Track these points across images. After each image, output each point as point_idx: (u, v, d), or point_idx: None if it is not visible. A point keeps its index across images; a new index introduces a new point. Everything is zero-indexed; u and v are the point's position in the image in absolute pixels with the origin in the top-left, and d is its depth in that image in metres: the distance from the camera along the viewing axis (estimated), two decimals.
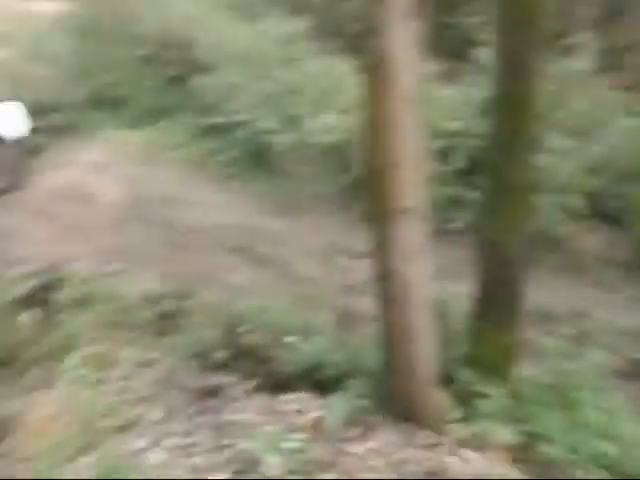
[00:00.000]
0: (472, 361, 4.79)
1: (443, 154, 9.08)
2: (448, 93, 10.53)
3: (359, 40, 3.78)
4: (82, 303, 7.05)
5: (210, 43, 12.65)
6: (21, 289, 7.08)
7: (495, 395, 4.58)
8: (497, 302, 4.73)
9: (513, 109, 4.64)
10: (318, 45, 14.16)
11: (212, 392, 6.14)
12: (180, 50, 12.30)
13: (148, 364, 6.47)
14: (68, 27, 12.92)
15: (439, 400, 4.51)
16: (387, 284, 4.12)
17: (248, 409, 5.63)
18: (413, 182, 3.82)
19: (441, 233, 8.56)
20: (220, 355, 6.40)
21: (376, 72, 3.64)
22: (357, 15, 12.13)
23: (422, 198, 3.92)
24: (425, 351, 4.31)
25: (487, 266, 4.72)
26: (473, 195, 9.01)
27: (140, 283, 7.57)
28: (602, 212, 9.01)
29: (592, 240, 8.71)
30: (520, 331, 4.89)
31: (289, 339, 6.58)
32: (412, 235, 3.94)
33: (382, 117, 3.69)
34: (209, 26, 13.44)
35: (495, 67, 4.84)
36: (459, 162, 9.30)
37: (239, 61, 12.25)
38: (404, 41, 3.53)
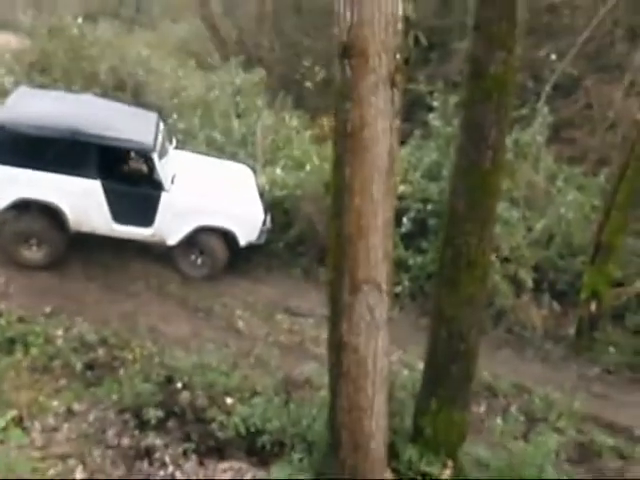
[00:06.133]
0: (419, 437, 4.68)
1: None
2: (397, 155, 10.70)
3: (334, 105, 3.71)
4: (11, 344, 6.71)
5: (163, 88, 12.55)
6: None
7: (440, 476, 4.47)
8: (449, 377, 4.66)
9: (473, 181, 4.68)
10: (270, 98, 14.31)
11: (142, 454, 5.84)
12: (133, 93, 12.15)
13: (76, 416, 6.15)
14: (18, 61, 12.63)
15: (387, 477, 4.36)
16: (341, 356, 4.00)
17: (178, 477, 5.38)
18: (378, 253, 3.76)
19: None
20: (153, 413, 6.09)
21: (348, 139, 3.60)
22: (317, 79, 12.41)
23: (385, 270, 3.85)
24: (377, 427, 4.17)
25: (441, 339, 4.67)
26: (418, 259, 9.13)
27: (74, 327, 7.23)
28: (548, 285, 9.14)
29: (538, 313, 8.79)
30: (470, 409, 4.83)
31: (228, 400, 6.35)
32: (372, 307, 3.85)
33: (351, 184, 3.63)
34: (163, 71, 13.37)
35: (458, 139, 4.90)
36: (406, 225, 9.36)
37: (191, 108, 12.18)
38: (379, 110, 3.51)
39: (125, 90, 12.14)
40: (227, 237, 8.90)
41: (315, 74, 13.42)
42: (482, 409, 6.84)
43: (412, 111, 14.24)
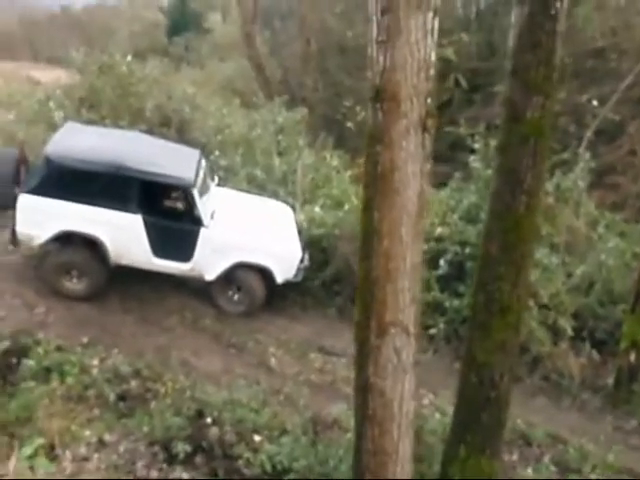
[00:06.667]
0: None
1: (428, 259, 9.08)
2: (437, 197, 10.67)
3: (364, 148, 3.75)
4: (47, 373, 6.78)
5: (207, 126, 12.85)
6: None
7: None
8: (479, 424, 4.55)
9: (507, 225, 4.64)
10: (311, 137, 14.50)
11: None
12: (177, 129, 12.48)
13: (107, 446, 6.19)
14: (69, 96, 13.12)
15: None
16: (368, 398, 3.96)
17: None
18: (406, 296, 3.74)
19: (421, 339, 8.50)
20: (182, 447, 6.10)
21: (378, 182, 3.62)
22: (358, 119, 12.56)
23: (413, 313, 3.83)
24: (402, 471, 4.10)
25: (471, 385, 4.58)
26: (454, 302, 9.03)
27: (109, 358, 7.32)
28: (588, 333, 8.89)
29: (576, 362, 8.54)
30: (500, 457, 4.70)
31: (256, 437, 6.33)
32: (399, 350, 3.82)
33: (380, 227, 3.64)
34: (208, 109, 13.72)
35: (493, 182, 4.88)
36: (443, 268, 9.29)
37: (234, 146, 12.42)
38: (410, 154, 3.53)
39: (170, 127, 12.46)
40: (265, 274, 8.95)
41: (356, 114, 13.58)
42: (514, 457, 6.66)
43: (453, 153, 14.29)
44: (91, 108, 12.43)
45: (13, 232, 8.53)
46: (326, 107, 18.96)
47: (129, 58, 13.45)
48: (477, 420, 4.55)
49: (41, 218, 8.31)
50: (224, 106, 14.85)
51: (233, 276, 8.89)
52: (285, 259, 9.01)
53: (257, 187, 11.18)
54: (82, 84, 13.47)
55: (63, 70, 19.47)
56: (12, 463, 5.24)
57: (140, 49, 31.24)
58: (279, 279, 8.97)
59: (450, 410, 5.13)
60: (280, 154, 12.75)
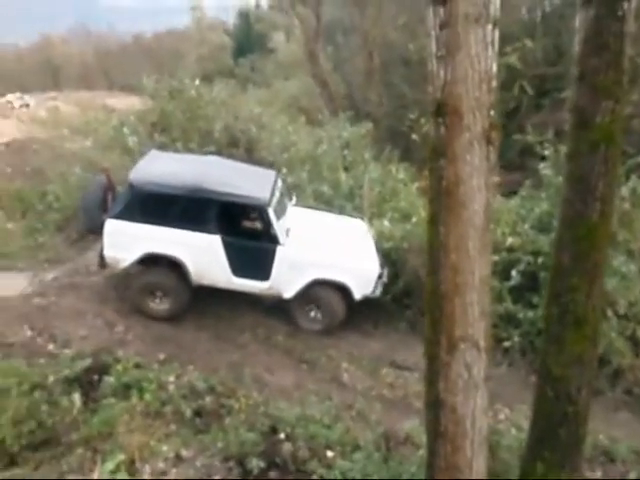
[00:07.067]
0: None
1: (500, 270, 8.91)
2: (507, 206, 10.47)
3: (427, 162, 3.74)
4: (126, 389, 6.97)
5: (274, 144, 13.08)
6: (70, 369, 7.05)
7: None
8: (556, 440, 4.41)
9: (579, 233, 4.51)
10: (377, 151, 14.51)
11: None
12: (245, 149, 12.75)
13: (184, 461, 6.33)
14: (141, 121, 13.65)
15: None
16: (439, 415, 3.91)
17: None
18: (475, 310, 3.69)
19: (495, 352, 8.32)
20: (256, 463, 6.16)
21: (443, 196, 3.60)
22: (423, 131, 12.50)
23: (483, 327, 3.77)
24: None
25: (547, 399, 4.45)
26: (529, 314, 8.80)
27: (185, 375, 7.48)
28: None
29: None
30: (581, 474, 4.54)
31: (328, 453, 6.33)
32: (469, 366, 3.76)
33: (446, 241, 3.62)
34: (274, 128, 13.96)
35: (563, 190, 4.75)
36: (515, 279, 9.08)
37: (300, 163, 12.58)
38: (474, 167, 3.50)
39: (238, 147, 12.75)
40: (343, 291, 8.97)
41: (421, 126, 13.52)
42: (598, 474, 6.41)
43: (523, 160, 13.98)
44: (163, 132, 12.89)
45: (101, 256, 8.90)
46: (391, 120, 18.94)
47: (197, 82, 13.88)
48: (554, 436, 4.41)
49: (126, 242, 8.66)
50: (290, 124, 15.10)
51: (312, 294, 8.95)
52: (362, 275, 9.03)
53: (324, 203, 11.27)
54: (154, 109, 14.01)
55: (136, 97, 20.27)
56: (95, 477, 5.46)
57: (207, 72, 32.19)
58: (357, 295, 9.00)
59: (526, 425, 5.00)
60: (346, 169, 12.84)
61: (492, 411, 7.03)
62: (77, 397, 6.75)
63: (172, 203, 8.55)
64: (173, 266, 8.76)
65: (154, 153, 9.92)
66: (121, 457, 5.67)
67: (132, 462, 6.09)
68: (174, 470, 6.20)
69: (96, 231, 8.94)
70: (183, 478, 6.10)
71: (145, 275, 8.89)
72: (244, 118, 13.61)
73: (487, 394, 3.94)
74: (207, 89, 14.26)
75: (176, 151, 11.85)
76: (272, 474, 6.17)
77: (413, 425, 6.45)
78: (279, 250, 8.77)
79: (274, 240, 8.75)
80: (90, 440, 6.24)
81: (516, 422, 6.79)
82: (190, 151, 12.01)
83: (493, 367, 4.45)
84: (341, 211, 10.84)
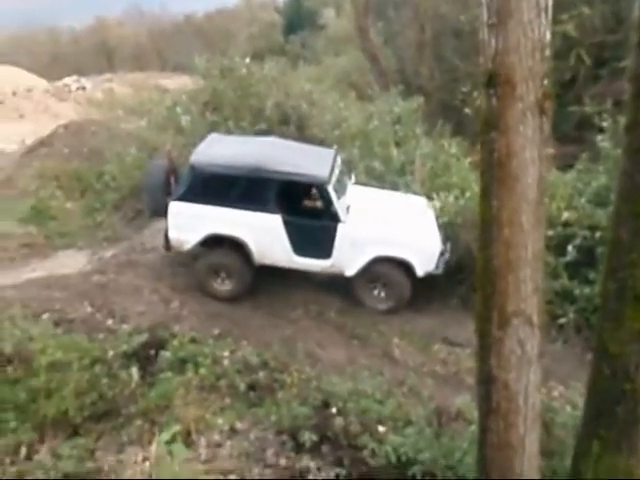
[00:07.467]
0: None
1: (555, 245, 8.70)
2: (563, 180, 10.19)
3: (479, 134, 3.66)
4: (182, 363, 7.15)
5: (325, 121, 13.03)
6: (128, 344, 7.27)
7: None
8: (613, 418, 4.31)
9: (638, 208, 4.34)
10: (429, 126, 14.29)
11: (296, 476, 5.99)
12: (296, 126, 12.74)
13: (239, 434, 6.46)
14: (193, 100, 13.79)
15: None
16: (491, 391, 3.86)
17: None
18: (528, 285, 3.61)
19: (550, 329, 8.18)
20: (308, 436, 6.24)
21: (495, 169, 3.52)
22: (476, 105, 12.25)
23: (536, 303, 3.69)
24: (529, 466, 3.97)
25: (604, 377, 4.34)
26: (585, 290, 8.59)
27: (239, 350, 7.62)
28: None
29: None
30: (637, 453, 4.42)
31: (380, 428, 6.36)
32: (522, 342, 3.70)
33: (499, 216, 3.54)
34: (325, 104, 13.90)
35: (622, 162, 4.58)
36: (571, 254, 8.86)
37: (351, 139, 12.51)
38: (527, 139, 3.41)
39: (289, 124, 12.75)
40: (405, 268, 8.93)
41: (474, 99, 13.26)
42: None
43: (580, 132, 13.56)
44: (214, 111, 12.99)
45: (166, 237, 9.09)
46: (443, 94, 18.61)
47: (248, 60, 13.90)
48: (611, 414, 4.30)
49: (190, 223, 8.82)
50: (340, 100, 15.00)
51: (374, 272, 8.94)
52: (424, 251, 8.97)
53: (376, 179, 11.20)
54: (205, 88, 14.12)
55: (188, 77, 20.47)
56: (153, 447, 5.62)
57: (258, 50, 32.25)
58: (420, 272, 8.95)
59: (581, 403, 4.90)
60: (398, 144, 12.70)
61: (546, 388, 6.92)
62: (135, 371, 6.96)
63: (233, 184, 8.64)
64: (236, 247, 8.87)
65: (214, 136, 10.03)
66: (177, 428, 5.81)
67: (188, 434, 6.25)
68: (229, 442, 6.34)
69: (161, 214, 9.13)
70: (238, 450, 6.24)
71: (209, 256, 9.04)
72: (295, 95, 13.57)
73: (540, 371, 3.88)
74: (258, 67, 14.25)
75: (228, 130, 11.96)
76: (324, 448, 6.24)
77: (465, 401, 6.41)
78: (340, 228, 8.78)
79: (335, 218, 8.76)
80: (148, 412, 6.43)
81: (571, 400, 6.66)
82: (242, 129, 12.09)
83: (547, 344, 4.36)
84: (392, 187, 10.75)
